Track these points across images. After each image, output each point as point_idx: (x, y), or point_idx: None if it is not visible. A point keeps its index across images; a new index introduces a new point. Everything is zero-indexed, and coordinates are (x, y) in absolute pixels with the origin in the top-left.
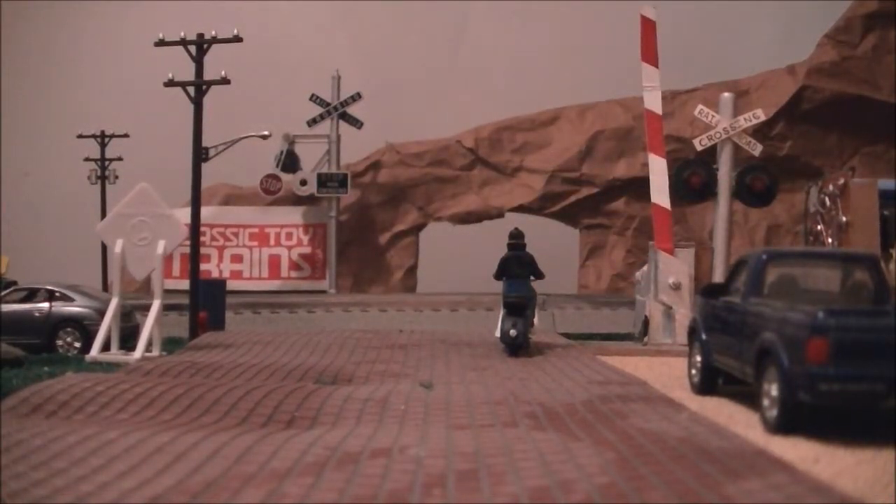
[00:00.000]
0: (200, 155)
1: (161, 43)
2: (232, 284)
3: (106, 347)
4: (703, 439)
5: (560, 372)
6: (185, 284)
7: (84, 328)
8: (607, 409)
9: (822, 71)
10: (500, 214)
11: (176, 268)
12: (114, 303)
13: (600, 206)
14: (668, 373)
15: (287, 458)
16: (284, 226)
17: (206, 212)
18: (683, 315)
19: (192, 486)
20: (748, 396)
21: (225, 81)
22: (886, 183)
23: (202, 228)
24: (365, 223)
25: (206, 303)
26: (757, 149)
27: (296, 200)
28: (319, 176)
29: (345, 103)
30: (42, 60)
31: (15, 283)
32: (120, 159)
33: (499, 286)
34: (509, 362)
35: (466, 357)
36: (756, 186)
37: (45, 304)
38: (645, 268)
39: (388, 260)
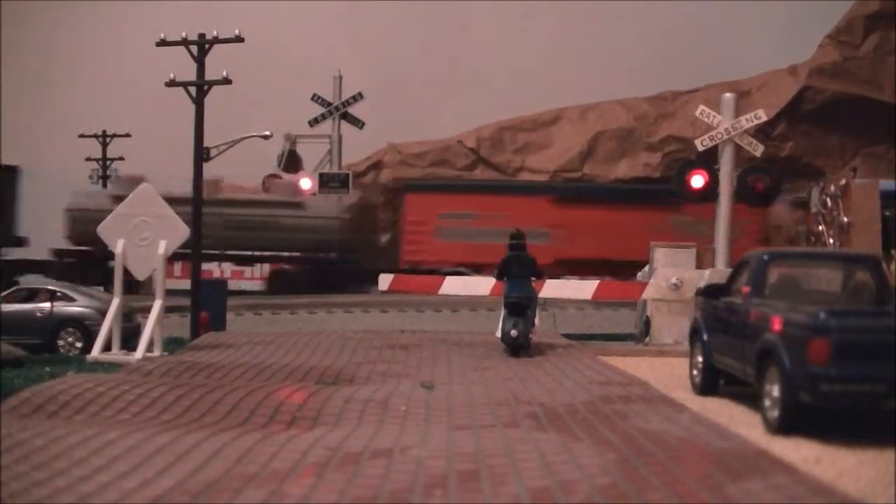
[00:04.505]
0: (202, 155)
1: (162, 43)
2: (233, 285)
3: (107, 348)
4: (705, 440)
5: (561, 372)
6: (186, 284)
7: (85, 328)
8: (608, 410)
9: (824, 71)
10: None
11: (177, 268)
12: (115, 303)
13: None
14: (670, 373)
15: (288, 458)
16: None
17: None
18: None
19: (193, 487)
20: (750, 397)
21: (226, 81)
22: (888, 184)
23: None
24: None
25: (206, 303)
26: (758, 149)
27: None
28: (321, 176)
29: (346, 103)
30: (42, 60)
31: (17, 282)
32: (121, 159)
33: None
34: (510, 363)
35: (467, 357)
36: (757, 187)
37: (47, 305)
38: (646, 268)
39: None
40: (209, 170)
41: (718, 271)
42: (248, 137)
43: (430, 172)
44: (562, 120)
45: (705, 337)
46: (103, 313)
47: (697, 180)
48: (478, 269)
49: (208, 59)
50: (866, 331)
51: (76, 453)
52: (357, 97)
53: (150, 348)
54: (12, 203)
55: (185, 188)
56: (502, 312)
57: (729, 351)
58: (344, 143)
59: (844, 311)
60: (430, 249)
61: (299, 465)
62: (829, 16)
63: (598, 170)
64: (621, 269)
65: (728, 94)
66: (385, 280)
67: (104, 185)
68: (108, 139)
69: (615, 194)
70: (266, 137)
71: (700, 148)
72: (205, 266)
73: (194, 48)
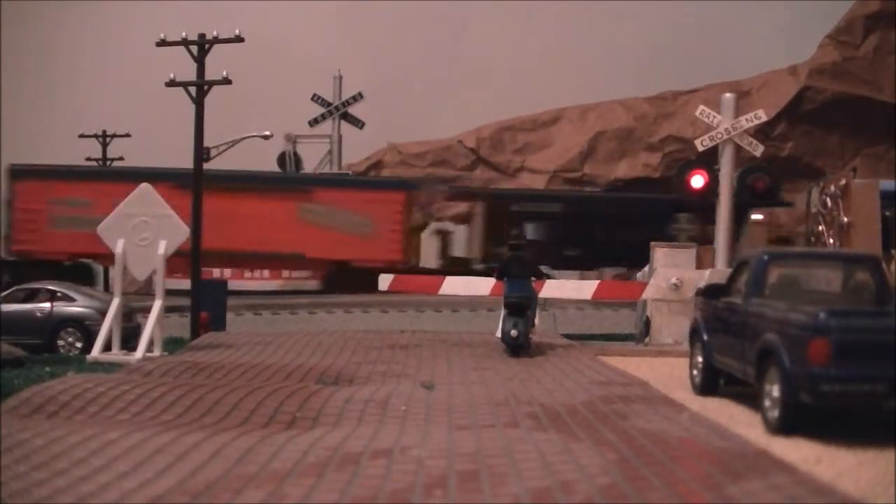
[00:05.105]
0: (202, 155)
1: (163, 43)
2: (233, 285)
3: (107, 348)
4: (705, 440)
5: (561, 372)
6: (186, 284)
7: (85, 328)
8: (608, 410)
9: (824, 71)
10: None
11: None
12: (115, 303)
13: None
14: (670, 373)
15: (288, 458)
16: None
17: None
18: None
19: (193, 487)
20: (750, 397)
21: (226, 81)
22: (888, 184)
23: None
24: None
25: (206, 303)
26: (758, 149)
27: None
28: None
29: (346, 103)
30: (42, 60)
31: (16, 283)
32: (121, 159)
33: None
34: (510, 363)
35: (467, 357)
36: (758, 187)
37: (47, 305)
38: (646, 268)
39: None
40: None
41: (718, 271)
42: (248, 137)
43: (431, 173)
44: (562, 120)
45: (705, 337)
46: (103, 313)
47: (697, 180)
48: (95, 257)
49: (208, 59)
50: (866, 331)
51: (76, 453)
52: (357, 97)
53: (150, 348)
54: None
55: None
56: (502, 312)
57: (729, 351)
58: (344, 143)
59: (844, 311)
60: (43, 239)
61: (299, 466)
62: (829, 16)
63: (598, 170)
64: (245, 260)
65: (728, 94)
66: (385, 280)
67: None
68: (108, 139)
69: (240, 180)
70: (266, 137)
71: (700, 148)
72: None
73: (194, 48)
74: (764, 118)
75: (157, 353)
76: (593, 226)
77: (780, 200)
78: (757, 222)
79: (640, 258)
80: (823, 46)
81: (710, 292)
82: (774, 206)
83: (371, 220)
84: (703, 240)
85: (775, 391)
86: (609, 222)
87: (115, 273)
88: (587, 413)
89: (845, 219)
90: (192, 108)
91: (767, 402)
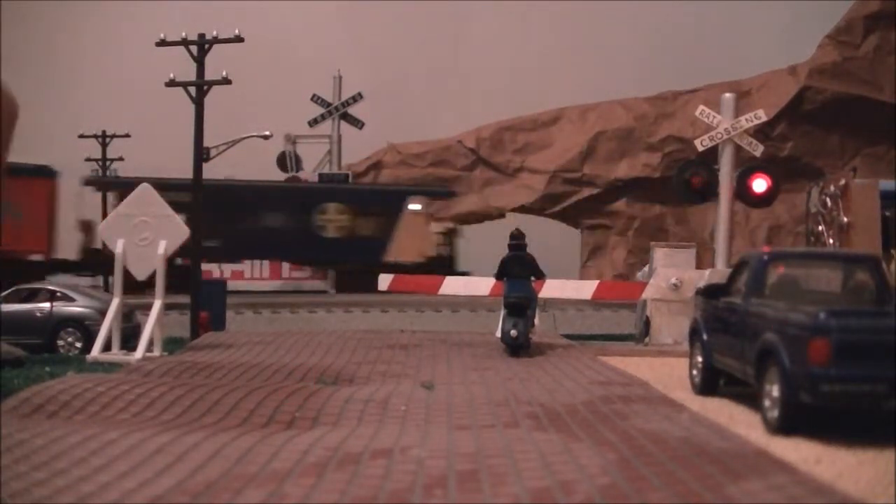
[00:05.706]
0: (202, 155)
1: (162, 43)
2: (233, 285)
3: (107, 348)
4: (705, 440)
5: (561, 372)
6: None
7: (85, 328)
8: (608, 410)
9: (824, 71)
10: (501, 215)
11: None
12: (115, 303)
13: (601, 207)
14: (670, 373)
15: (288, 458)
16: None
17: None
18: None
19: (192, 487)
20: (749, 397)
21: (226, 81)
22: (888, 184)
23: None
24: None
25: (206, 303)
26: (758, 149)
27: None
28: (321, 176)
29: (346, 103)
30: (43, 60)
31: (16, 283)
32: (121, 159)
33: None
34: (510, 363)
35: (467, 357)
36: (694, 182)
37: (47, 305)
38: (646, 268)
39: None
40: (209, 169)
41: (718, 271)
42: (248, 137)
43: (430, 173)
44: (562, 120)
45: (705, 337)
46: (103, 313)
47: (697, 180)
48: None
49: (208, 59)
50: (866, 331)
51: (76, 453)
52: (357, 97)
53: (150, 348)
54: None
55: None
56: (502, 312)
57: (729, 351)
58: (344, 143)
59: (844, 311)
60: None
61: (299, 465)
62: (829, 16)
63: (598, 170)
64: None
65: (728, 94)
66: (385, 280)
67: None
68: (107, 139)
69: None
70: (266, 137)
71: (700, 148)
72: None
73: (194, 48)
74: (764, 118)
75: (156, 352)
76: (232, 216)
77: (447, 190)
78: (416, 213)
79: (287, 251)
80: (823, 46)
81: (709, 292)
82: (437, 195)
83: (20, 209)
84: (352, 232)
85: (775, 391)
86: (250, 213)
87: (115, 273)
88: (587, 413)
89: (845, 219)
90: (191, 108)
91: (767, 402)
